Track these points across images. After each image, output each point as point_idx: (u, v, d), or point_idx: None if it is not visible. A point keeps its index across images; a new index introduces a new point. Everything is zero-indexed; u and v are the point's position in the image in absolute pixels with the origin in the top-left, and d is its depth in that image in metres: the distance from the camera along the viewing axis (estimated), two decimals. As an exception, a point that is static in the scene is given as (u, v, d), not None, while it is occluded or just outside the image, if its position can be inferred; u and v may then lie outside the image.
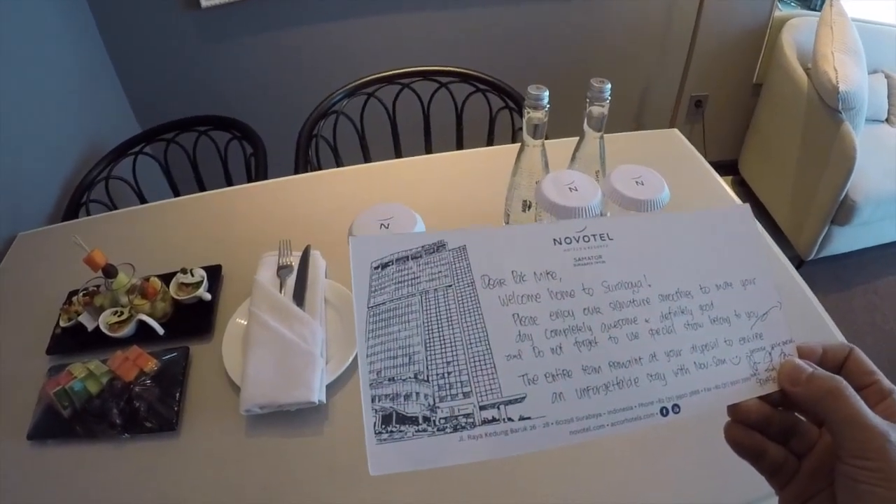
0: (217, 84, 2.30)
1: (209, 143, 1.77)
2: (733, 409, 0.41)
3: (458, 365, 0.38)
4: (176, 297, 1.11)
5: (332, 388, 0.98)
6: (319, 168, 1.72)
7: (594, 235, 0.43)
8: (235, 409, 0.94)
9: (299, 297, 1.08)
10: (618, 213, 0.95)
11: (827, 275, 2.61)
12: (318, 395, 0.93)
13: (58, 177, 1.68)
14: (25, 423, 0.98)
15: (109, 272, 1.08)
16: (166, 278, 1.13)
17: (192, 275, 1.13)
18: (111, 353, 1.02)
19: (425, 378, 0.38)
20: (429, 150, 1.88)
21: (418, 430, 0.36)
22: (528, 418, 0.37)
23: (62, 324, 1.10)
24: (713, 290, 0.43)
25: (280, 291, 1.08)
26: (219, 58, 2.23)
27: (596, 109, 0.95)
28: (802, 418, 0.42)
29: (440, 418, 0.37)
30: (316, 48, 2.28)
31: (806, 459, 0.40)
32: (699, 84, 2.69)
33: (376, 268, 0.41)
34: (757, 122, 2.76)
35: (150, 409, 0.96)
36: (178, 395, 0.98)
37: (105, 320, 1.07)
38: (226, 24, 2.15)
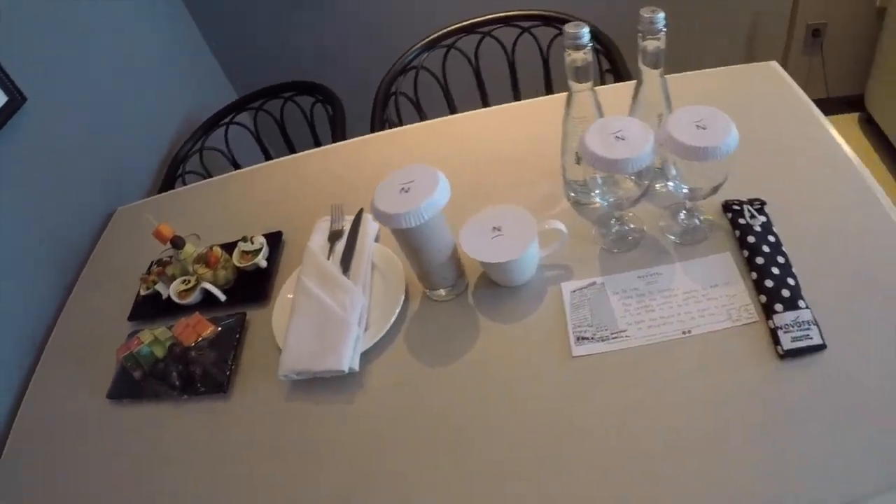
0: (300, 50, 2.32)
1: (295, 108, 1.80)
2: None
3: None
4: (238, 264, 1.15)
5: (369, 355, 0.97)
6: (401, 125, 1.68)
7: (653, 273, 0.90)
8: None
9: (346, 263, 1.07)
10: (674, 161, 0.84)
11: None
12: (348, 363, 0.93)
13: (159, 151, 1.77)
14: (107, 383, 1.07)
15: (176, 243, 1.14)
16: (230, 247, 1.18)
17: (252, 242, 1.17)
18: (180, 319, 1.09)
19: (591, 325, 0.88)
20: (517, 99, 1.79)
21: (589, 342, 0.86)
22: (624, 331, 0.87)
23: (142, 292, 1.19)
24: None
25: (329, 257, 1.09)
26: (299, 23, 2.24)
27: (651, 44, 0.83)
28: None
29: (601, 336, 0.87)
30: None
31: None
32: (816, 11, 2.38)
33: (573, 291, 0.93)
34: (883, 52, 2.33)
35: (205, 373, 1.01)
36: (230, 359, 1.02)
37: (174, 288, 1.14)
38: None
